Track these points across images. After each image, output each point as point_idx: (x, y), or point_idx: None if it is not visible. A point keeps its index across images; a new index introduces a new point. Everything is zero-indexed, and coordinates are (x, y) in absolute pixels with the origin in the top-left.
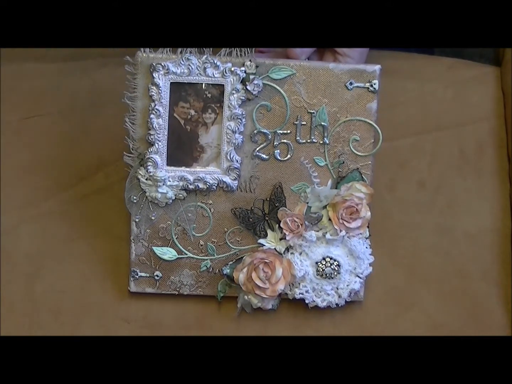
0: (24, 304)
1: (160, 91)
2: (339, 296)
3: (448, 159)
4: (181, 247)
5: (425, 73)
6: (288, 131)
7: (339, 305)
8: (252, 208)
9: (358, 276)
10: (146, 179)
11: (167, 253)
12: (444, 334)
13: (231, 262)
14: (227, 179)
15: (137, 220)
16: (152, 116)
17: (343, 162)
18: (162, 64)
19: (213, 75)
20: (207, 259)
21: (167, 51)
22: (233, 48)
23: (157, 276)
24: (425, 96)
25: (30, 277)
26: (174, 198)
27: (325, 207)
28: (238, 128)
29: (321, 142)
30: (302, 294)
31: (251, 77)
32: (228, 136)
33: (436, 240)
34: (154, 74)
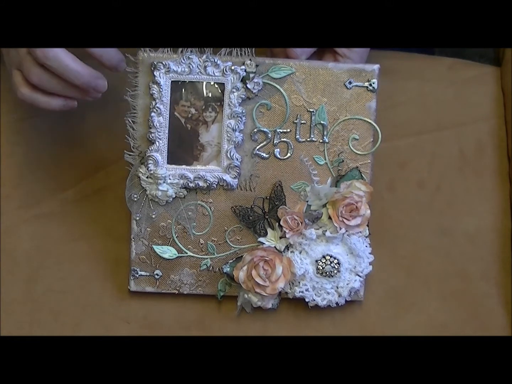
0: (24, 304)
1: (161, 90)
2: (339, 295)
3: (448, 159)
4: (181, 246)
5: (425, 73)
6: (288, 130)
7: (339, 304)
8: (252, 206)
9: (358, 275)
10: (147, 177)
11: (167, 251)
12: (444, 334)
13: (231, 261)
14: (227, 177)
15: (137, 218)
16: (153, 114)
17: (343, 161)
18: (163, 62)
19: (214, 73)
20: (207, 258)
21: (168, 50)
22: (233, 48)
23: (157, 275)
24: (425, 96)
25: (30, 277)
26: (174, 196)
27: (324, 205)
28: (238, 126)
29: (321, 140)
30: (302, 292)
31: (251, 75)
32: (228, 134)
33: (436, 240)
34: (155, 73)
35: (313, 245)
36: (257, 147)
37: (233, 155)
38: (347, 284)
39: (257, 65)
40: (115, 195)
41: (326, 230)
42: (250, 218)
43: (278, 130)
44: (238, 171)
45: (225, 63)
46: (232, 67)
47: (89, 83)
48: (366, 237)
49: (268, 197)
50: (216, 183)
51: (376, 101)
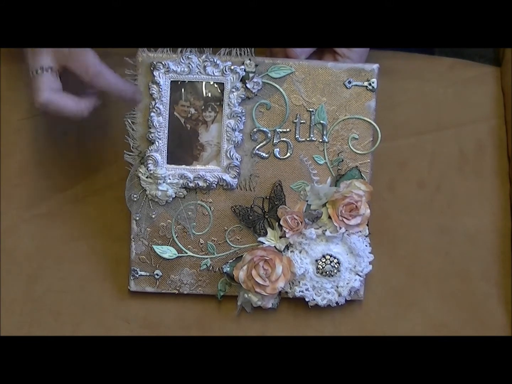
0: (24, 304)
1: (160, 90)
2: (339, 295)
3: (448, 159)
4: (181, 246)
5: (425, 73)
6: (288, 130)
7: (339, 304)
8: (252, 206)
9: (358, 274)
10: (147, 177)
11: (167, 251)
12: (444, 334)
13: (231, 261)
14: (227, 177)
15: (137, 218)
16: (152, 114)
17: (342, 160)
18: (163, 62)
19: (213, 73)
20: (207, 258)
21: (167, 50)
22: (232, 48)
23: (157, 275)
24: (425, 96)
25: (30, 277)
26: (174, 196)
27: (324, 205)
28: (238, 126)
29: (320, 140)
30: (302, 292)
31: (251, 75)
32: (228, 134)
33: (436, 240)
34: (154, 73)
35: (313, 244)
36: (257, 147)
37: (232, 155)
38: (347, 283)
39: (256, 65)
40: (115, 195)
41: (326, 230)
42: (250, 217)
43: (277, 130)
44: (237, 170)
45: (225, 63)
46: (232, 67)
47: (131, 96)
48: (366, 236)
49: (268, 197)
50: (216, 183)
51: (376, 100)
